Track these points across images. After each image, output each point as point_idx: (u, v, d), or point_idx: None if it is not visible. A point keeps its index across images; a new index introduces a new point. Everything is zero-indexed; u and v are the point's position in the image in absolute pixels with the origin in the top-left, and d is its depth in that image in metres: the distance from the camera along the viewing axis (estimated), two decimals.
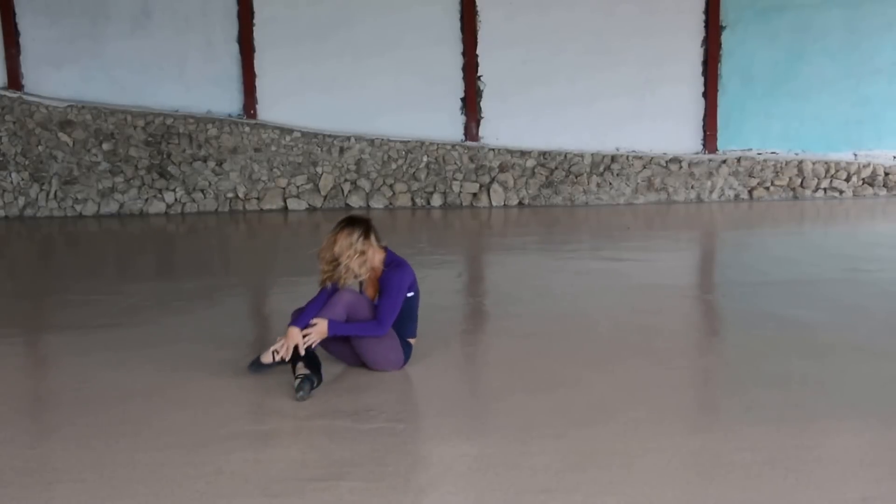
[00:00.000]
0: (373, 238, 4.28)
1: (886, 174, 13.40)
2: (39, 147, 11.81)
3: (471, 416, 3.77)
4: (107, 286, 6.97)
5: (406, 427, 3.55)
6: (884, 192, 13.38)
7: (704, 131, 13.03)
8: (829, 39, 13.05)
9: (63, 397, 4.09)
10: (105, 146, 11.90)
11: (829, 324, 5.26)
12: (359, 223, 4.28)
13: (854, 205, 12.45)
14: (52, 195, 11.87)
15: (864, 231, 10.43)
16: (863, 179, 13.37)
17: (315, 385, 4.02)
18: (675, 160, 12.89)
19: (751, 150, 13.21)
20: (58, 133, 11.82)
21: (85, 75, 12.09)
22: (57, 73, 12.04)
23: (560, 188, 12.68)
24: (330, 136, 12.29)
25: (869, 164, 13.35)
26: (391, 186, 12.42)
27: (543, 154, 12.66)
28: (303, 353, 4.07)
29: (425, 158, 12.45)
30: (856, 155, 13.41)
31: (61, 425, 3.69)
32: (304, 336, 4.10)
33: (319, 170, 12.29)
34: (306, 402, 3.88)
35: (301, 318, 4.20)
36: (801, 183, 13.21)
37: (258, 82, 12.32)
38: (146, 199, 12.05)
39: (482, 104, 12.67)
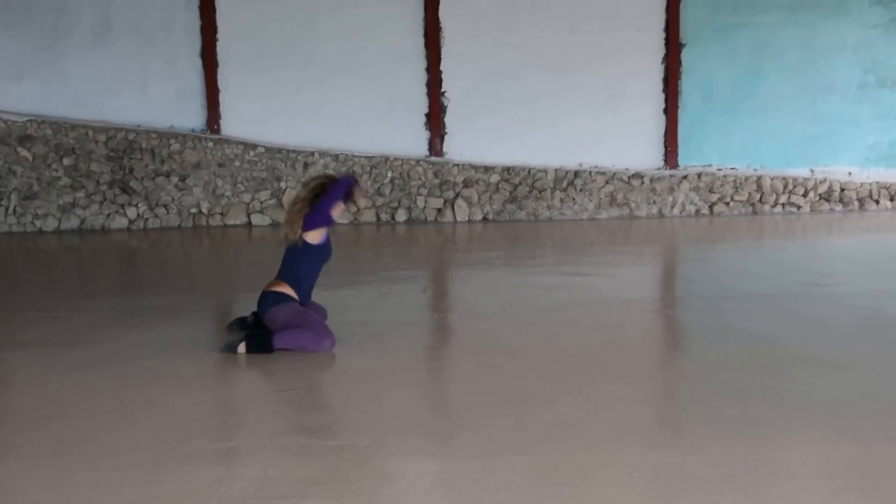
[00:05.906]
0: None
1: (842, 190, 13.66)
2: None
3: (435, 433, 3.77)
4: (68, 303, 6.89)
5: (370, 443, 3.54)
6: (840, 207, 13.64)
7: (666, 147, 13.20)
8: (785, 57, 13.31)
9: (21, 416, 4.03)
10: (66, 161, 11.77)
11: (788, 337, 5.34)
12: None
13: (811, 219, 12.67)
14: (11, 211, 11.71)
15: (821, 245, 10.61)
16: (819, 195, 13.61)
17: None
18: (637, 176, 13.03)
19: (711, 165, 13.40)
20: (17, 148, 11.68)
21: (45, 89, 11.97)
22: (17, 86, 11.90)
23: (524, 203, 12.76)
24: (294, 151, 12.27)
25: (825, 180, 13.60)
26: (355, 202, 12.39)
27: (507, 169, 12.74)
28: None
29: (390, 174, 12.47)
30: (812, 171, 13.65)
31: (19, 444, 3.63)
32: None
33: (283, 185, 12.26)
34: (270, 419, 3.87)
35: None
36: (760, 198, 13.41)
37: (221, 97, 12.27)
38: (108, 215, 11.93)
39: (446, 120, 12.74)
